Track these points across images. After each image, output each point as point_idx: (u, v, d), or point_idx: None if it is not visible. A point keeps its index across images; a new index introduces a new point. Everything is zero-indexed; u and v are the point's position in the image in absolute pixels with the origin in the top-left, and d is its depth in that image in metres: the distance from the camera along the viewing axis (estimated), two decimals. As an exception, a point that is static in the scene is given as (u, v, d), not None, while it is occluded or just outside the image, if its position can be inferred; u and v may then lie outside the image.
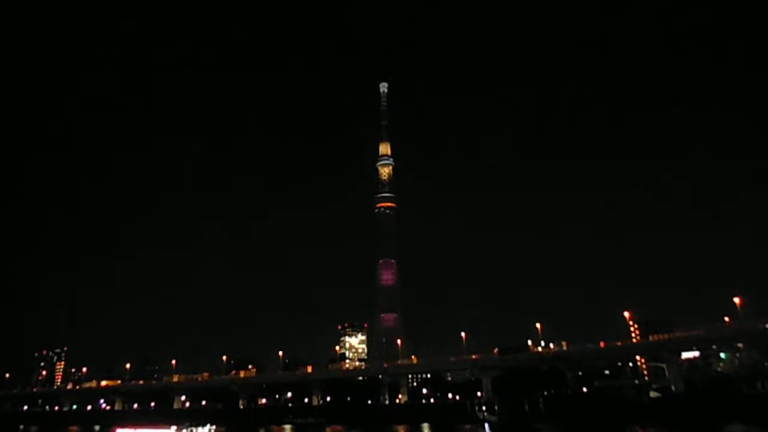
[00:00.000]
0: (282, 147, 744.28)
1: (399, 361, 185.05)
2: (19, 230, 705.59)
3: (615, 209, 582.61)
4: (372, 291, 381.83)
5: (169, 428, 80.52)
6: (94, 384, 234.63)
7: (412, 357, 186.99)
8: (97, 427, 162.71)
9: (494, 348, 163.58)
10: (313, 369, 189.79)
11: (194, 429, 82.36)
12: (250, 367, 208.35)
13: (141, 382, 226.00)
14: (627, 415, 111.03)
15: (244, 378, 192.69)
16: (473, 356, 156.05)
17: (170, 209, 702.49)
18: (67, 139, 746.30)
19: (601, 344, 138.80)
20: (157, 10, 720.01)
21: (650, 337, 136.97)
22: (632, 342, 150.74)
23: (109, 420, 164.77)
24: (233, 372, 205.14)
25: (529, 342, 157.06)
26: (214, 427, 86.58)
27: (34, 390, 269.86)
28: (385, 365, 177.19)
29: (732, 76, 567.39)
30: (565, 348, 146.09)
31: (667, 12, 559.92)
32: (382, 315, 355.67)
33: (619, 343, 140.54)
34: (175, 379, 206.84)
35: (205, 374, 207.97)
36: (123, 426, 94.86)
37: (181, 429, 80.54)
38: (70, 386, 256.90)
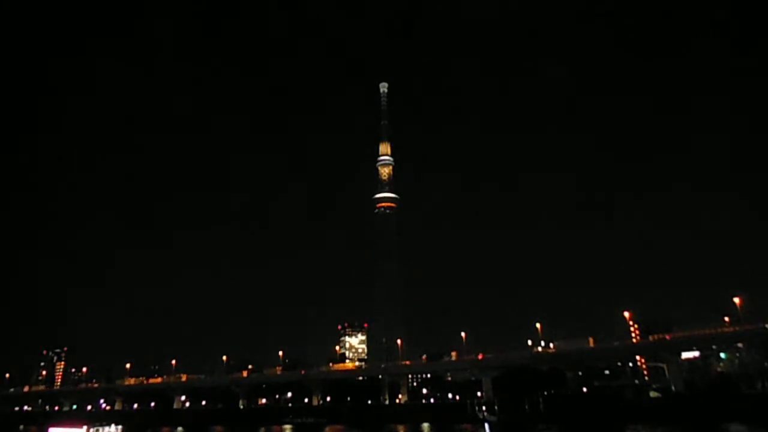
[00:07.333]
0: (281, 147, 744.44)
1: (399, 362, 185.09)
2: (19, 230, 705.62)
3: (615, 209, 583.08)
4: (372, 291, 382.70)
5: (81, 427, 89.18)
6: (93, 384, 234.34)
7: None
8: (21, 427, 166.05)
9: (495, 348, 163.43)
10: (312, 369, 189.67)
11: (101, 428, 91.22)
12: (250, 367, 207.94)
13: (141, 381, 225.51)
14: (627, 415, 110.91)
15: (244, 378, 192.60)
16: (480, 354, 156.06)
17: (170, 210, 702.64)
18: (62, 138, 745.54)
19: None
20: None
21: (650, 337, 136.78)
22: (632, 342, 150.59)
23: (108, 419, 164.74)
24: (233, 372, 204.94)
25: (529, 342, 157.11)
26: (120, 426, 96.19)
27: (32, 390, 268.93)
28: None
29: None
30: (564, 348, 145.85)
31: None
32: (382, 315, 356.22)
33: (618, 343, 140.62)
34: (176, 378, 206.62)
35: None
36: (56, 425, 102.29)
37: (91, 428, 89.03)
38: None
